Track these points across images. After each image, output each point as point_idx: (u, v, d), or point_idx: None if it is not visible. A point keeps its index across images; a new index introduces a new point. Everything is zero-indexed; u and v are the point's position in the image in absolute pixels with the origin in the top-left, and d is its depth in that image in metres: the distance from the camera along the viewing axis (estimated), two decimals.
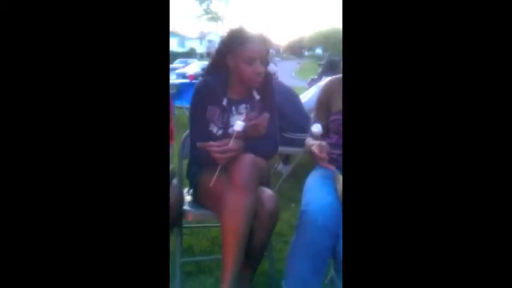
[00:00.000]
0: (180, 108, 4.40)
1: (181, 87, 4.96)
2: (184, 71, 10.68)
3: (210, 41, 35.76)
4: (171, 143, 1.35)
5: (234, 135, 1.12)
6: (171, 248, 1.65)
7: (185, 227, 1.67)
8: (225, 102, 1.24)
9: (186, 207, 1.33)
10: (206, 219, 1.39)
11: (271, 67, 1.79)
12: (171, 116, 1.36)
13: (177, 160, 1.49)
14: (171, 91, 3.50)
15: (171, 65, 14.22)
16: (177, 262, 1.38)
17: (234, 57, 1.20)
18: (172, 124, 1.38)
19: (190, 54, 27.94)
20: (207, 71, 1.32)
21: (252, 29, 1.21)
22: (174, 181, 1.29)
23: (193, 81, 5.23)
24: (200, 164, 1.30)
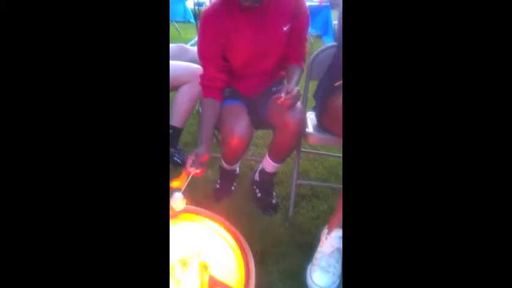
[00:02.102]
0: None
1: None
2: None
3: None
4: (302, 66, 1.29)
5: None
6: (288, 171, 1.71)
7: (303, 152, 1.67)
8: None
9: (309, 130, 1.29)
10: (328, 144, 1.33)
11: None
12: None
13: (304, 81, 1.44)
14: None
15: None
16: (293, 183, 1.41)
17: None
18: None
19: None
20: None
21: None
22: (298, 103, 1.24)
23: (323, 4, 4.86)
24: (331, 85, 1.21)
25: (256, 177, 1.48)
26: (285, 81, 1.31)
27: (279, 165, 1.38)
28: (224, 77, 1.24)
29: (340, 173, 1.68)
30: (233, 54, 1.24)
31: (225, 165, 1.42)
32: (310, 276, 1.00)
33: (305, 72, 1.43)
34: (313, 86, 1.40)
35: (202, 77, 1.25)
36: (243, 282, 0.79)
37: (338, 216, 1.04)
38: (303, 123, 1.18)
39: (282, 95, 1.07)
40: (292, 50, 1.27)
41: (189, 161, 1.08)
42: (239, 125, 1.16)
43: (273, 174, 1.44)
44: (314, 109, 1.37)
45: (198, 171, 1.07)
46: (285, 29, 1.21)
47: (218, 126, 1.24)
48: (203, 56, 1.24)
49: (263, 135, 2.06)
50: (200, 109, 1.54)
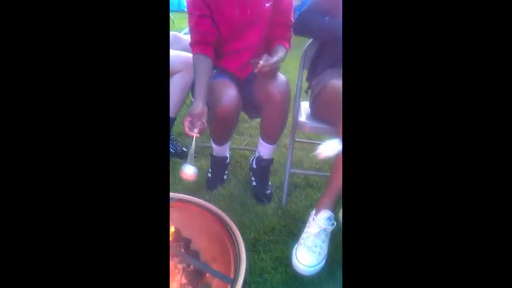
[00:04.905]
0: None
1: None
2: None
3: None
4: (287, 47, 1.28)
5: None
6: (282, 160, 1.71)
7: (297, 141, 1.67)
8: None
9: (303, 119, 1.29)
10: (321, 132, 1.33)
11: None
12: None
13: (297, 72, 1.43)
14: (295, 3, 3.25)
15: None
16: (286, 172, 1.41)
17: None
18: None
19: None
20: None
21: None
22: (282, 77, 1.23)
23: None
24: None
25: (254, 164, 1.48)
26: None
27: (273, 146, 1.38)
28: (216, 31, 1.23)
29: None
30: (217, 23, 1.24)
31: (215, 148, 1.42)
32: (296, 255, 1.00)
33: (299, 62, 1.42)
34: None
35: (194, 33, 1.23)
36: (234, 269, 0.80)
37: (326, 198, 1.04)
38: (287, 94, 1.19)
39: (260, 62, 1.08)
40: (276, 30, 1.28)
41: (187, 123, 1.07)
42: (227, 94, 1.15)
43: (270, 161, 1.44)
44: (307, 96, 1.37)
45: (196, 130, 1.06)
46: (267, 5, 1.24)
47: (207, 102, 1.22)
48: (193, 13, 1.22)
49: (257, 125, 2.05)
50: (191, 97, 1.53)
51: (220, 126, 1.25)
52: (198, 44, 1.22)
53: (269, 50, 1.29)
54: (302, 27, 1.27)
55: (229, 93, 1.16)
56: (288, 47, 1.29)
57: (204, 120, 1.09)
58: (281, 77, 1.19)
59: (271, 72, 1.14)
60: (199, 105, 1.11)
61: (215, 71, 1.29)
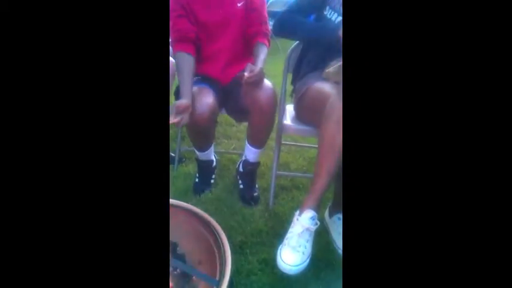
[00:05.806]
0: None
1: None
2: None
3: None
4: (266, 43, 1.30)
5: None
6: (269, 163, 1.72)
7: (284, 144, 1.69)
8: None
9: (287, 121, 1.31)
10: (305, 135, 1.36)
11: None
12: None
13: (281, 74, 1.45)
14: (278, 9, 3.29)
15: None
16: (273, 174, 1.42)
17: None
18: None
19: None
20: None
21: None
22: (268, 82, 1.24)
23: None
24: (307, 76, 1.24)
25: (240, 168, 1.49)
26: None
27: (260, 150, 1.40)
28: (195, 28, 1.25)
29: None
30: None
31: (198, 153, 1.43)
32: (280, 255, 1.00)
33: (283, 66, 1.44)
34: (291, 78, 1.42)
35: (172, 32, 1.24)
36: (220, 271, 0.80)
37: (309, 199, 1.05)
38: (273, 100, 1.21)
39: (245, 73, 1.10)
40: (253, 28, 1.30)
41: (172, 113, 1.09)
42: (200, 103, 1.17)
43: (256, 165, 1.45)
44: (292, 99, 1.39)
45: (176, 119, 1.08)
46: (239, 5, 1.26)
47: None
48: (170, 14, 1.23)
49: (244, 129, 2.06)
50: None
51: (197, 133, 1.28)
52: (178, 42, 1.24)
53: (249, 49, 1.31)
54: (283, 28, 1.27)
55: (204, 101, 1.18)
56: (267, 43, 1.31)
57: (186, 115, 1.12)
58: (267, 83, 1.21)
59: (258, 81, 1.16)
60: (184, 100, 1.13)
61: (196, 78, 1.30)
